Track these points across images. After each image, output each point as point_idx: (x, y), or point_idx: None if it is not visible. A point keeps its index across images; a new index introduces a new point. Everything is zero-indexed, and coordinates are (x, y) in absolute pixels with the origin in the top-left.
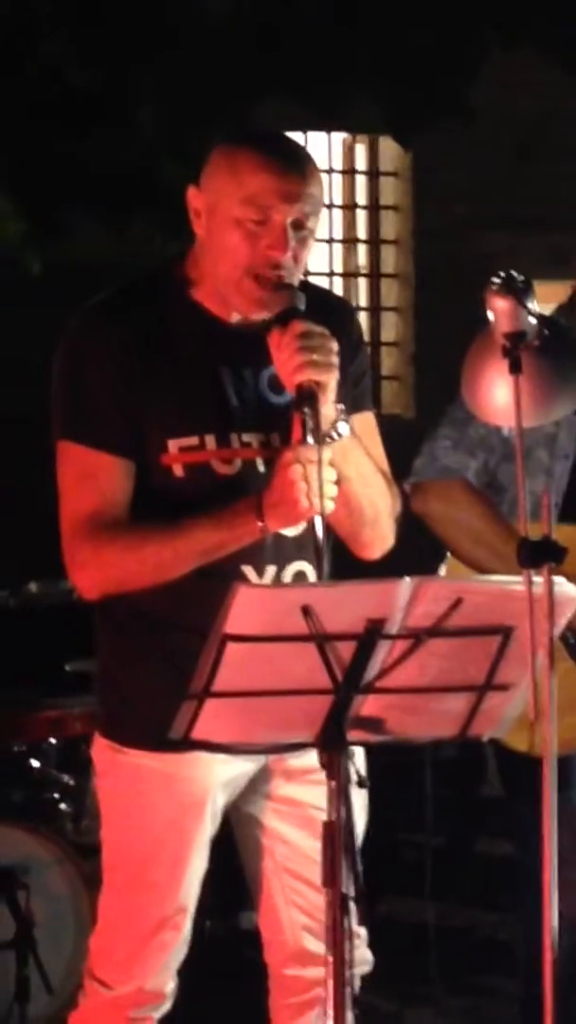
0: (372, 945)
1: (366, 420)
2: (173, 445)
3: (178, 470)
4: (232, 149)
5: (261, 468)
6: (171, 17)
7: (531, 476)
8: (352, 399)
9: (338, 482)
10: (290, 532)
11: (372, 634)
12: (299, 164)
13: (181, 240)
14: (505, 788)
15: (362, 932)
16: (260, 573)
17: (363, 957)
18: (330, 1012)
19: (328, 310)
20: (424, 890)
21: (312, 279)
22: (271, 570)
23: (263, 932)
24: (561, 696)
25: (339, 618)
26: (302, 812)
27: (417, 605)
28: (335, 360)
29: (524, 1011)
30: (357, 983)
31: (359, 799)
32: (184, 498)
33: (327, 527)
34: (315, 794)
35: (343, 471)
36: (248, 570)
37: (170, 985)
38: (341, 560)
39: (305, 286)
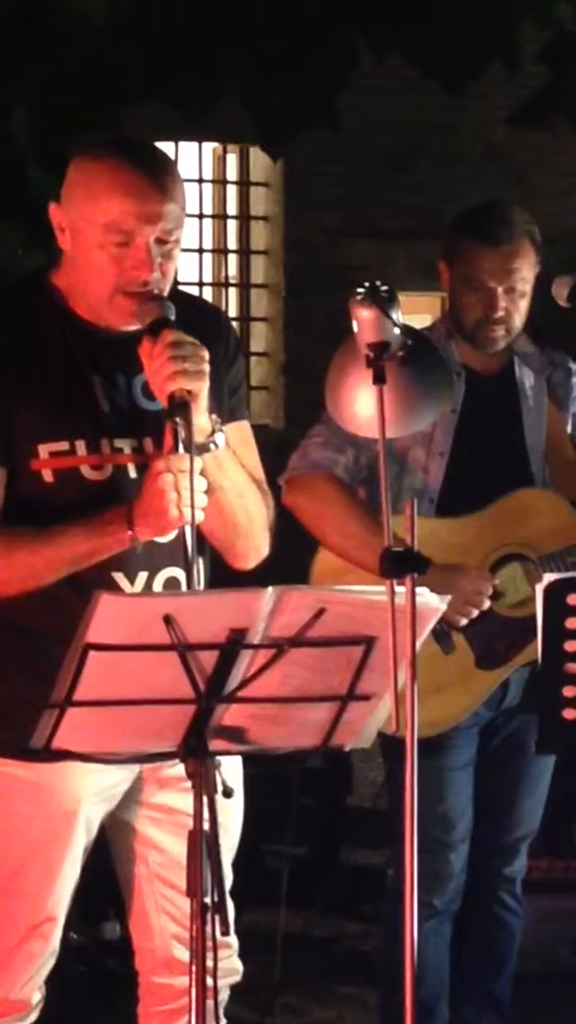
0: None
1: (242, 429)
2: (43, 450)
3: (48, 475)
4: (89, 167)
5: (132, 474)
6: (44, 23)
7: (409, 474)
8: (228, 408)
9: (210, 492)
10: (162, 539)
11: (234, 644)
12: (157, 181)
13: (47, 251)
14: (386, 762)
15: (233, 942)
16: (132, 580)
17: (232, 967)
18: (193, 1022)
19: (203, 320)
20: (284, 899)
21: (181, 289)
22: (143, 576)
23: (133, 939)
24: (425, 679)
25: (201, 627)
26: (176, 819)
27: (279, 615)
28: (206, 368)
29: (385, 1021)
30: (226, 994)
31: (233, 809)
32: (54, 504)
33: (200, 537)
34: (189, 802)
35: (217, 482)
36: (119, 577)
37: (36, 996)
38: (220, 567)
39: (179, 296)
